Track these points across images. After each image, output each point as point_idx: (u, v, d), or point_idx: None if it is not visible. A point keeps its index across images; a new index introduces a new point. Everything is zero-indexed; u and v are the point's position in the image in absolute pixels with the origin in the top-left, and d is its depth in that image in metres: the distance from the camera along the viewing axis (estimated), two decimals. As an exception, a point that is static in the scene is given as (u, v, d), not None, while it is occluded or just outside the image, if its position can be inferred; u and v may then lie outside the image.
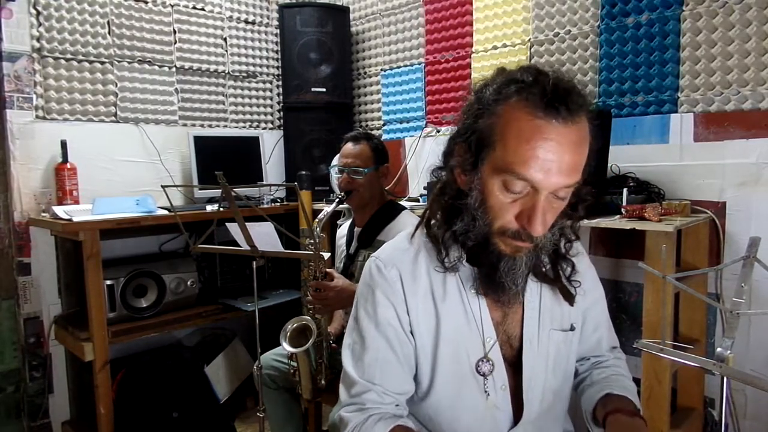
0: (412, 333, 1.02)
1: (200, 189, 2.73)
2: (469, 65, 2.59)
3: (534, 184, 0.85)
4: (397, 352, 1.01)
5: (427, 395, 1.04)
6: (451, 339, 1.01)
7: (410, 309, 1.01)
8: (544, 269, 1.02)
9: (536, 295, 1.05)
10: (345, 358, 1.06)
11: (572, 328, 1.09)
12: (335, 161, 2.33)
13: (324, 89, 2.90)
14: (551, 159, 0.83)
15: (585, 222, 1.03)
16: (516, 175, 0.85)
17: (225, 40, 3.03)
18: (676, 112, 1.97)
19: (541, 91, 0.84)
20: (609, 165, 1.96)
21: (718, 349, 0.90)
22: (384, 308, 1.01)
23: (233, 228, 1.84)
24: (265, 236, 1.81)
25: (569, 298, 1.05)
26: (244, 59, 3.11)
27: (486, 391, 1.02)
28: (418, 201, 2.53)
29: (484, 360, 1.01)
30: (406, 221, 1.96)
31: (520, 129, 0.84)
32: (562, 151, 0.84)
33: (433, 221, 1.04)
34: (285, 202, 2.85)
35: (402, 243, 1.07)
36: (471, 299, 1.01)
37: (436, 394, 1.03)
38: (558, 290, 1.05)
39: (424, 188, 2.36)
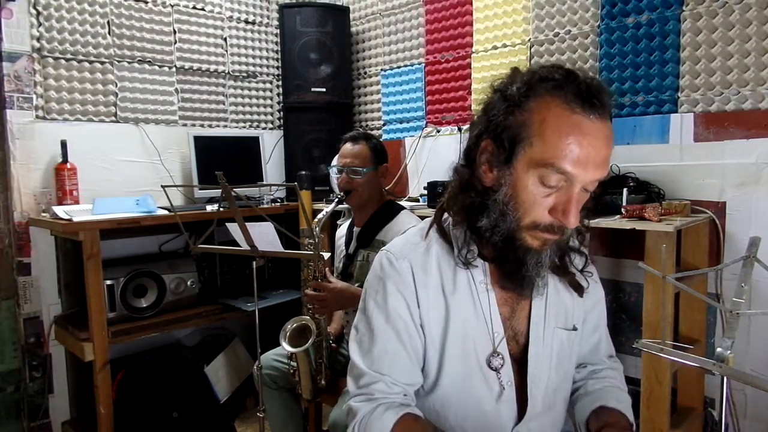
0: (422, 326, 1.02)
1: (200, 189, 2.73)
2: (469, 65, 2.59)
3: (571, 178, 0.87)
4: (406, 344, 1.02)
5: (434, 388, 1.05)
6: (459, 333, 1.02)
7: (421, 301, 1.02)
8: (557, 262, 1.03)
9: (543, 292, 1.06)
10: (353, 350, 1.06)
11: (574, 328, 1.11)
12: (334, 161, 2.33)
13: (324, 89, 2.90)
14: (589, 153, 0.86)
15: (585, 221, 1.04)
16: (555, 169, 0.87)
17: (225, 40, 3.03)
18: (676, 112, 1.97)
19: (576, 88, 0.86)
20: (609, 165, 1.96)
21: (718, 349, 0.90)
22: (395, 300, 1.02)
23: (233, 228, 1.84)
24: (265, 236, 1.81)
25: (579, 290, 1.07)
26: (244, 59, 3.11)
27: (501, 385, 1.03)
28: (418, 201, 2.54)
29: (495, 354, 1.02)
30: (405, 221, 1.96)
31: (559, 124, 0.86)
32: (599, 145, 0.87)
33: (444, 217, 1.05)
34: (285, 202, 2.84)
35: (413, 237, 1.08)
36: (481, 294, 1.02)
37: (443, 388, 1.04)
38: (568, 284, 1.07)
39: (425, 188, 2.36)
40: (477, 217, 0.96)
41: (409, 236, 1.10)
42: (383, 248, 1.08)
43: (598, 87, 0.87)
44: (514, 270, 0.98)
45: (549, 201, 0.90)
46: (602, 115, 0.87)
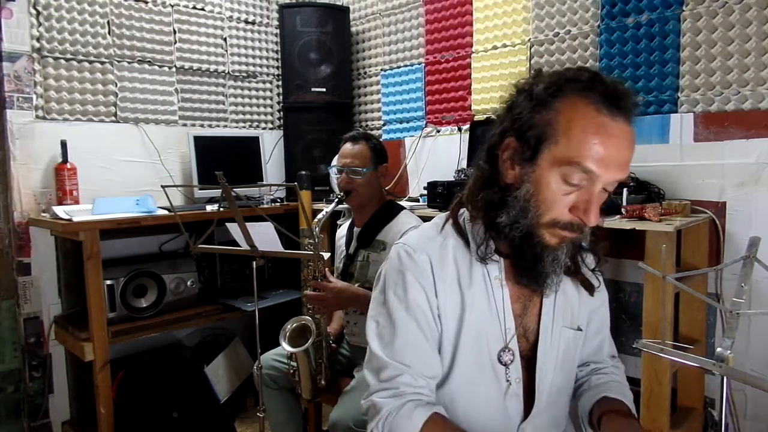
0: (439, 317, 1.03)
1: (200, 189, 2.73)
2: (469, 65, 2.59)
3: (594, 177, 0.89)
4: (427, 334, 1.03)
5: (444, 382, 1.06)
6: (474, 327, 1.03)
7: (438, 293, 1.02)
8: (568, 262, 1.04)
9: (552, 291, 1.07)
10: (373, 343, 1.06)
11: (579, 329, 1.12)
12: (334, 161, 2.33)
13: (324, 89, 2.90)
14: (613, 154, 0.88)
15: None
16: (580, 167, 0.88)
17: (225, 40, 3.03)
18: (676, 112, 1.97)
19: (603, 90, 0.89)
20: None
21: (718, 349, 0.90)
22: (415, 291, 1.02)
23: (233, 228, 1.84)
24: (265, 236, 1.81)
25: (590, 289, 1.08)
26: (244, 59, 3.11)
27: (508, 380, 1.04)
28: (418, 201, 2.53)
29: (506, 350, 1.04)
30: (405, 221, 1.96)
31: (586, 124, 0.88)
32: (622, 147, 0.89)
33: (461, 212, 1.06)
34: (285, 202, 2.84)
35: (429, 231, 1.09)
36: (495, 289, 1.04)
37: (453, 381, 1.05)
38: (579, 283, 1.08)
39: (425, 188, 2.36)
40: (496, 213, 0.97)
41: (425, 230, 1.11)
42: (399, 241, 1.09)
43: (625, 90, 0.90)
44: (530, 266, 0.98)
45: (570, 199, 0.92)
46: (627, 118, 0.89)
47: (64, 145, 2.37)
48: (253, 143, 2.95)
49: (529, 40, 2.35)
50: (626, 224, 1.66)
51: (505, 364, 1.04)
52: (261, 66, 3.19)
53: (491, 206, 0.98)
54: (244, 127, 3.13)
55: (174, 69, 2.82)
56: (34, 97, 2.39)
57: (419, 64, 2.80)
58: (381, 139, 2.45)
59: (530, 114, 0.92)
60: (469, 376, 1.04)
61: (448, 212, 1.10)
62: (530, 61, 2.35)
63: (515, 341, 1.05)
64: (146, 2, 2.70)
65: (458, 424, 1.04)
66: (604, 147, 0.87)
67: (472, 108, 2.59)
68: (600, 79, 0.90)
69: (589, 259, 1.10)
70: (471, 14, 2.56)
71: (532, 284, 1.02)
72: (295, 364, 1.92)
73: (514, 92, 0.98)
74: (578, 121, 0.88)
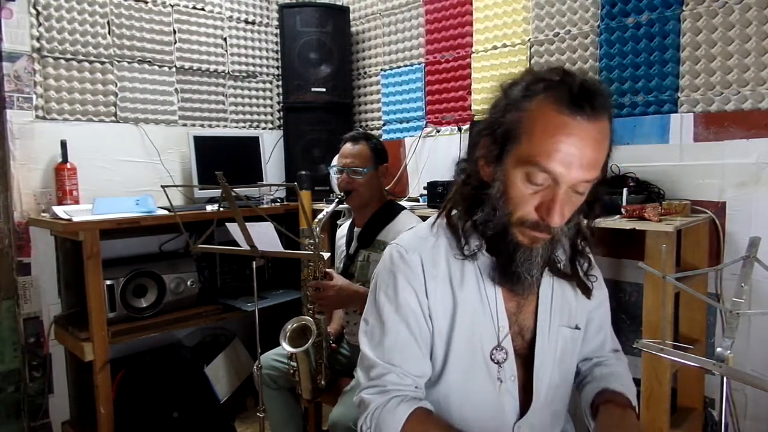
0: (430, 317, 1.04)
1: (200, 189, 2.73)
2: (469, 65, 2.59)
3: (555, 177, 0.89)
4: (416, 335, 1.03)
5: (438, 380, 1.06)
6: (466, 325, 1.03)
7: (429, 293, 1.03)
8: (559, 265, 1.05)
9: (549, 290, 1.08)
10: (363, 342, 1.08)
11: (577, 328, 1.12)
12: (335, 161, 2.33)
13: (324, 89, 2.90)
14: (573, 153, 0.87)
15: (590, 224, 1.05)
16: (539, 167, 0.88)
17: (225, 40, 3.03)
18: (676, 112, 1.97)
19: (567, 89, 0.88)
20: (609, 165, 1.95)
21: (718, 349, 0.90)
22: (405, 292, 1.03)
23: (233, 228, 1.84)
24: (265, 236, 1.81)
25: (587, 292, 1.09)
26: (244, 59, 3.11)
27: (499, 379, 1.04)
28: (418, 201, 2.54)
29: (499, 348, 1.04)
30: (406, 221, 1.96)
31: (546, 124, 0.88)
32: (584, 146, 0.88)
33: (453, 211, 1.07)
34: (285, 202, 2.85)
35: (422, 231, 1.10)
36: (488, 288, 1.04)
37: (447, 380, 1.05)
38: (576, 285, 1.08)
39: (425, 188, 2.36)
40: (474, 210, 0.99)
41: (419, 230, 1.11)
42: (393, 242, 1.10)
43: (591, 89, 0.88)
44: (504, 264, 0.99)
45: (536, 199, 0.92)
46: (591, 117, 0.87)
47: (64, 145, 2.37)
48: (253, 143, 2.95)
49: (529, 40, 2.35)
50: (626, 224, 1.67)
51: (498, 363, 1.04)
52: (261, 66, 3.19)
53: (468, 203, 1.00)
54: (244, 127, 3.14)
55: (174, 69, 2.82)
56: (34, 97, 2.39)
57: (419, 64, 2.80)
58: (381, 139, 2.45)
59: (502, 113, 0.93)
60: (462, 374, 1.05)
61: (440, 209, 1.10)
62: (530, 61, 2.35)
63: (509, 340, 1.05)
64: (146, 2, 2.70)
65: (453, 422, 1.05)
66: (564, 146, 0.87)
67: (472, 108, 2.59)
68: (570, 78, 0.89)
69: (586, 264, 1.10)
70: (471, 14, 2.56)
71: (506, 284, 1.02)
72: (295, 364, 1.92)
73: (500, 91, 0.98)
74: (540, 120, 0.88)
